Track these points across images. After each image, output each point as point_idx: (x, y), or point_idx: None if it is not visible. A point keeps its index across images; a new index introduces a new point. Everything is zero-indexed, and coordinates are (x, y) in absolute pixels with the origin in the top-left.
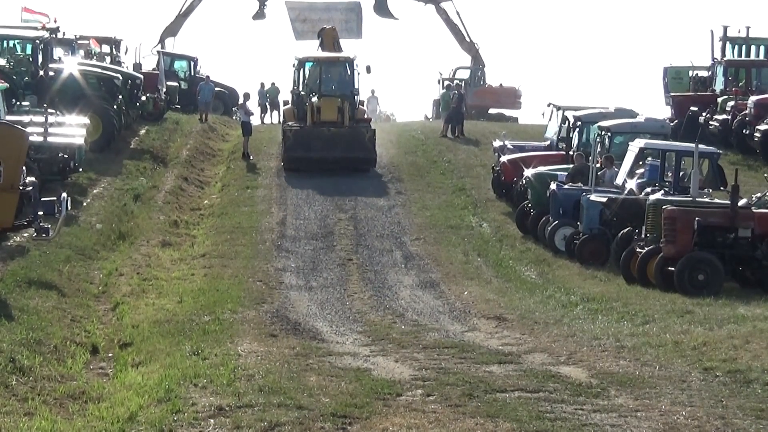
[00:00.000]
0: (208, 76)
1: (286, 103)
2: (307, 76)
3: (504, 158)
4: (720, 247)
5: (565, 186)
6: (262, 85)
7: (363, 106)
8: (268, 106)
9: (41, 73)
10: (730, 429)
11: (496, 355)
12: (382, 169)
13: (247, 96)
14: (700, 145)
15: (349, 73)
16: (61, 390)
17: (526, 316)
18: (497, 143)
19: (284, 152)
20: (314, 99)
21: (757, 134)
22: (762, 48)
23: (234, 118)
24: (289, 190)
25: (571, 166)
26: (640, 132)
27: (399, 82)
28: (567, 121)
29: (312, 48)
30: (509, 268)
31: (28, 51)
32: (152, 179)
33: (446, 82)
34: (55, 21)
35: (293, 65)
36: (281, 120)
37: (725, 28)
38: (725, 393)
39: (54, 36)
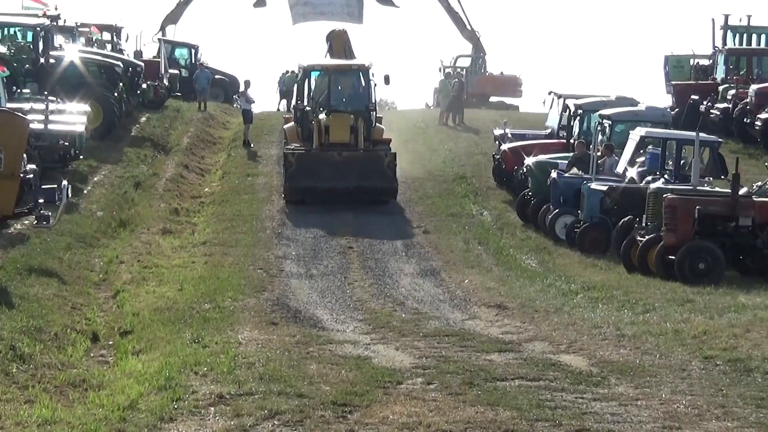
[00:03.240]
0: (201, 63)
1: (287, 120)
2: (313, 88)
3: (505, 146)
4: (721, 235)
5: (566, 174)
6: (286, 72)
7: (381, 123)
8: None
9: (42, 60)
10: (730, 418)
11: (496, 343)
12: None
13: (248, 83)
14: (701, 134)
15: (363, 84)
16: (62, 378)
17: (527, 304)
18: (498, 131)
19: (285, 181)
20: (322, 116)
21: (758, 123)
22: (763, 36)
23: (235, 105)
24: None
25: (571, 154)
26: (641, 120)
27: (400, 70)
28: (568, 110)
29: (311, 31)
30: (510, 257)
31: (29, 38)
32: (153, 167)
33: (446, 70)
34: (56, 8)
35: (296, 74)
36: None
37: (726, 17)
38: (725, 382)
39: (55, 23)
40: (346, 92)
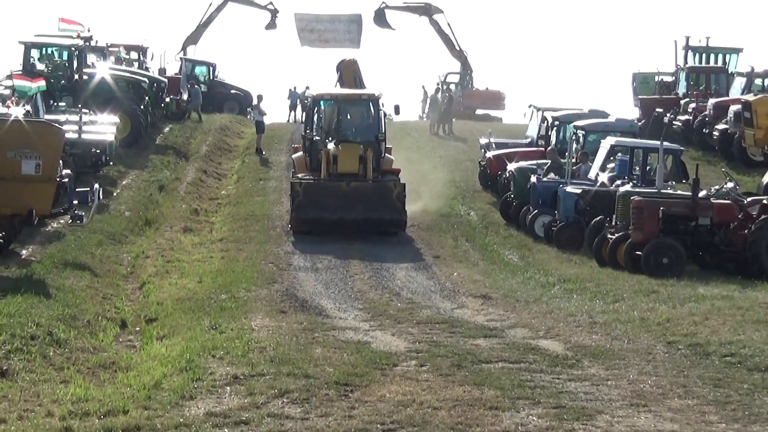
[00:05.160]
0: (192, 82)
1: (296, 149)
2: (322, 117)
3: (489, 154)
4: (682, 233)
5: (544, 179)
6: (295, 89)
7: (390, 153)
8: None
9: (76, 76)
10: (691, 396)
11: (482, 329)
12: None
13: (260, 98)
14: (665, 143)
15: (373, 113)
16: (94, 360)
17: (509, 295)
18: (483, 140)
19: (292, 211)
20: (330, 146)
21: (716, 133)
22: (720, 56)
23: (248, 117)
24: None
25: (548, 161)
26: (611, 131)
27: (395, 85)
28: (546, 121)
29: (318, 56)
30: (494, 252)
31: (65, 57)
32: (175, 172)
33: (435, 86)
34: (89, 30)
35: (305, 102)
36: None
37: (687, 38)
38: (687, 364)
39: (88, 44)
40: (356, 122)
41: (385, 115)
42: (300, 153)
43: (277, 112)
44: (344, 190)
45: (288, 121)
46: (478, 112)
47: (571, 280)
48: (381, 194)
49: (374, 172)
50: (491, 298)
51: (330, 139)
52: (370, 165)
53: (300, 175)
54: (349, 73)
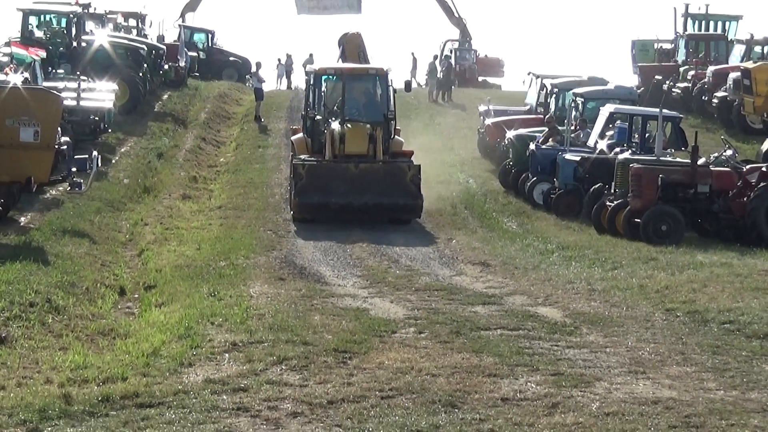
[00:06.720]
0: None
1: (294, 131)
2: (325, 94)
3: (488, 121)
4: (681, 201)
5: (543, 146)
6: (287, 56)
7: (399, 135)
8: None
9: (75, 44)
10: (689, 363)
11: (480, 296)
12: None
13: (259, 65)
14: (664, 110)
15: (381, 90)
16: (92, 327)
17: (508, 262)
18: (482, 108)
19: (294, 196)
20: (335, 125)
21: (715, 100)
22: (719, 23)
23: (247, 84)
24: None
25: (546, 129)
26: (610, 98)
27: (393, 53)
28: (545, 88)
29: (315, 25)
30: (493, 220)
31: (63, 24)
32: (174, 139)
33: (435, 53)
34: None
35: (306, 79)
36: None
37: (686, 6)
38: (685, 331)
39: (86, 11)
40: (363, 100)
41: (394, 91)
42: (299, 135)
43: (275, 79)
44: (353, 172)
45: (277, 87)
46: (478, 78)
47: (570, 247)
48: (393, 176)
49: (385, 154)
50: (490, 265)
51: (334, 117)
52: (380, 145)
53: (302, 157)
54: (352, 47)
